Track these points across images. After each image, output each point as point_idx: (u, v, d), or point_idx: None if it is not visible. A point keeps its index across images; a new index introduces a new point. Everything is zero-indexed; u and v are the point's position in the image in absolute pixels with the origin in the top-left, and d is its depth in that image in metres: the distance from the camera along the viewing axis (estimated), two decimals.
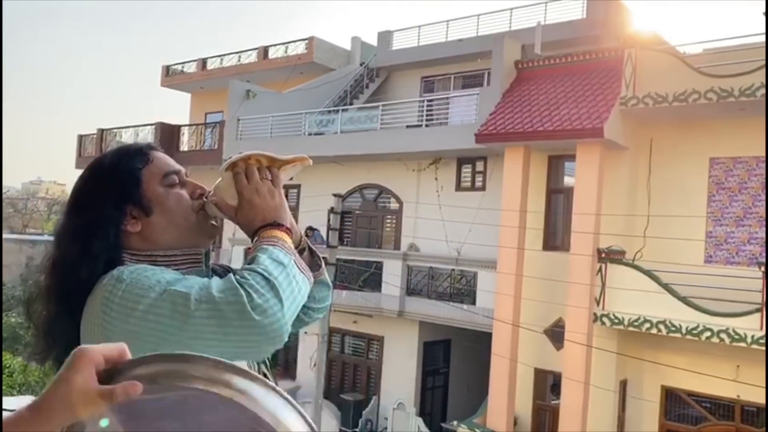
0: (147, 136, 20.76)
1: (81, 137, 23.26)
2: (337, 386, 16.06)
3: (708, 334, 9.87)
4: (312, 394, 13.32)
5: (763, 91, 9.88)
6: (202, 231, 1.36)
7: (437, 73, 18.05)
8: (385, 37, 19.09)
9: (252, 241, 1.28)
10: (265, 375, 1.38)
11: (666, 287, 10.38)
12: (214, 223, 1.39)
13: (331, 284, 1.58)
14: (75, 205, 1.30)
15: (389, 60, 18.81)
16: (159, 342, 1.10)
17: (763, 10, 10.70)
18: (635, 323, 10.59)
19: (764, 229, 10.76)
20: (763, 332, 9.37)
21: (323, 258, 1.54)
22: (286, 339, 1.15)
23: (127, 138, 22.41)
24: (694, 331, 9.98)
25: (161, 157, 1.37)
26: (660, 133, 11.74)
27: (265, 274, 1.12)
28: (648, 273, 10.60)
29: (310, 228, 14.75)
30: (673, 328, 10.17)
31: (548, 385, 12.41)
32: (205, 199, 1.36)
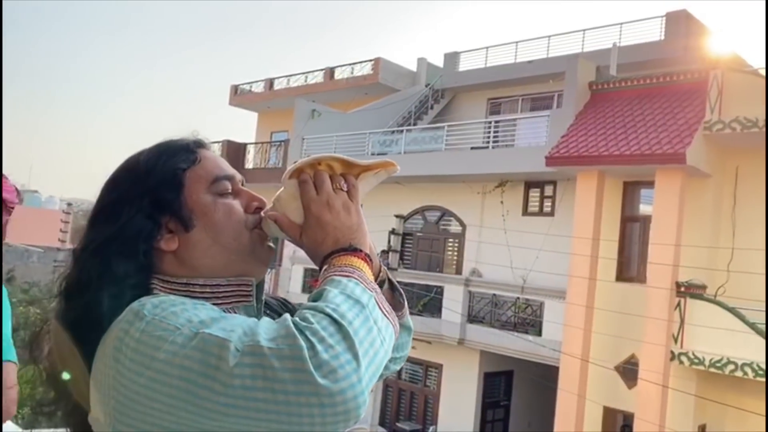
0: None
1: None
2: (393, 414, 15.59)
3: None
4: (367, 420, 12.94)
5: None
6: (256, 255, 1.02)
7: (504, 94, 17.59)
8: (451, 58, 18.80)
9: (320, 270, 0.95)
10: None
11: (753, 326, 9.59)
12: (271, 245, 1.05)
13: (412, 327, 1.23)
14: (99, 214, 0.99)
15: (455, 81, 18.49)
16: (180, 408, 0.77)
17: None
18: (717, 364, 9.80)
19: None
20: None
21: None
22: (362, 414, 0.78)
23: None
24: None
25: (212, 157, 1.05)
26: (747, 160, 10.98)
27: (336, 316, 0.79)
28: (732, 310, 9.83)
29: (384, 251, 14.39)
30: (761, 372, 9.34)
31: (618, 424, 11.65)
32: (263, 215, 1.04)
